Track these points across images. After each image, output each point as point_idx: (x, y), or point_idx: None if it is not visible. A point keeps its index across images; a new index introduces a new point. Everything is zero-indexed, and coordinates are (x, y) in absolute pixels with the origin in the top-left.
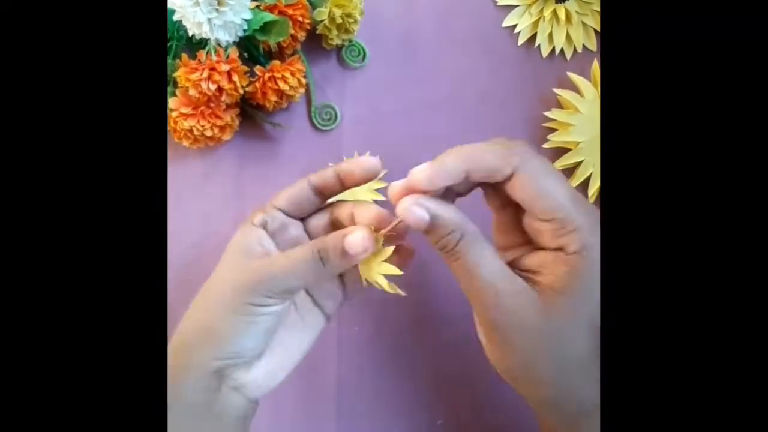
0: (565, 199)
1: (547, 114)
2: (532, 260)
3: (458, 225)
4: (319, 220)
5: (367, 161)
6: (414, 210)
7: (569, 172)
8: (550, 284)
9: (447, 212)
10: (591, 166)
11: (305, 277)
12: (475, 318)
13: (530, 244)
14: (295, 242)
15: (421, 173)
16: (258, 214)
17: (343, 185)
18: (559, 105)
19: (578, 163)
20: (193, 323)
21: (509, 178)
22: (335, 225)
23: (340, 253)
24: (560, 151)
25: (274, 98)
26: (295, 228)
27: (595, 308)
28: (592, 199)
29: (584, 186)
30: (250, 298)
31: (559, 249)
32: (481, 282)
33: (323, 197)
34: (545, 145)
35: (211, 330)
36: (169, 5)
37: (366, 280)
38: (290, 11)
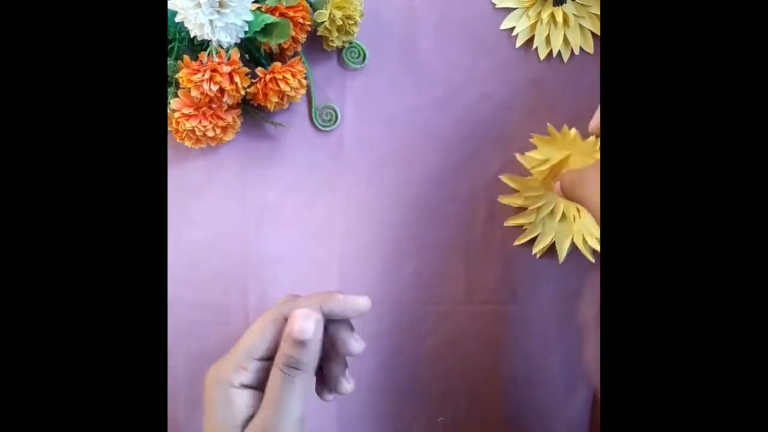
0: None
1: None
2: None
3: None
4: None
5: (351, 301)
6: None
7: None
8: None
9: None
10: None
11: (298, 398)
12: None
13: None
14: None
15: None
16: (238, 372)
17: (328, 319)
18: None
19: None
20: None
21: None
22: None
23: (301, 350)
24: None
25: (275, 99)
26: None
27: None
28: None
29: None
30: None
31: None
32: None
33: None
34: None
35: None
36: (171, 7)
37: None
38: (291, 13)
